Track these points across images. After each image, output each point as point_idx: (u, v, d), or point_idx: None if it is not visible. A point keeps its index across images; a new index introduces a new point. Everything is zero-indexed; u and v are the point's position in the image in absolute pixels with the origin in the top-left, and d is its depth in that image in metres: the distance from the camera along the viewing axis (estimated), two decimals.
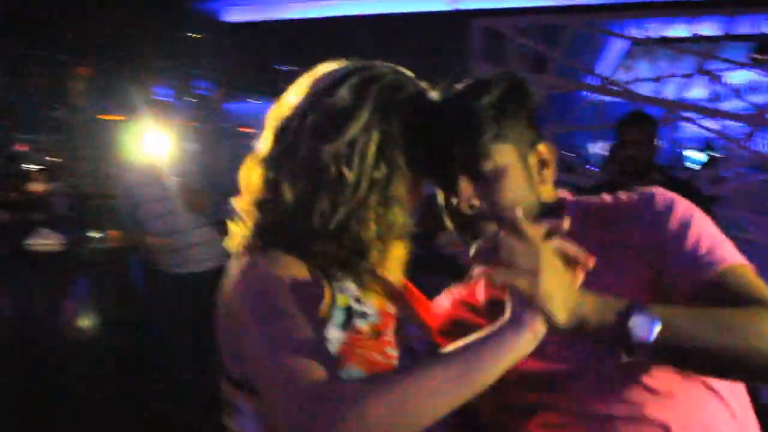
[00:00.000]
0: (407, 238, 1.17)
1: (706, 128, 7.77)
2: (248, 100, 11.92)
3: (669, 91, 7.45)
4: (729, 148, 6.91)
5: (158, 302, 3.90)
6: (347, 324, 1.06)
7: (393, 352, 1.08)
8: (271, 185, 1.11)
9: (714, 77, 7.17)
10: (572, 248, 0.95)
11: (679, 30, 7.17)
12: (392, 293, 1.17)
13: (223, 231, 1.18)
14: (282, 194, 1.09)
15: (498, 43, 6.16)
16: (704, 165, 9.64)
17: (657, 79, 7.22)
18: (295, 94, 1.15)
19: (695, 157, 9.42)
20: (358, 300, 1.09)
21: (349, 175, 1.07)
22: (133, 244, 3.97)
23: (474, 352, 0.92)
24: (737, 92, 7.40)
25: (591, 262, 0.96)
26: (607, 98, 7.42)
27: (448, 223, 1.19)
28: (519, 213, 0.94)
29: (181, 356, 3.64)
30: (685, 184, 3.53)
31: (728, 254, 1.07)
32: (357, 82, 1.10)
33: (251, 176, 1.15)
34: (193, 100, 11.53)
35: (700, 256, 1.06)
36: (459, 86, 1.16)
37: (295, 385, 0.92)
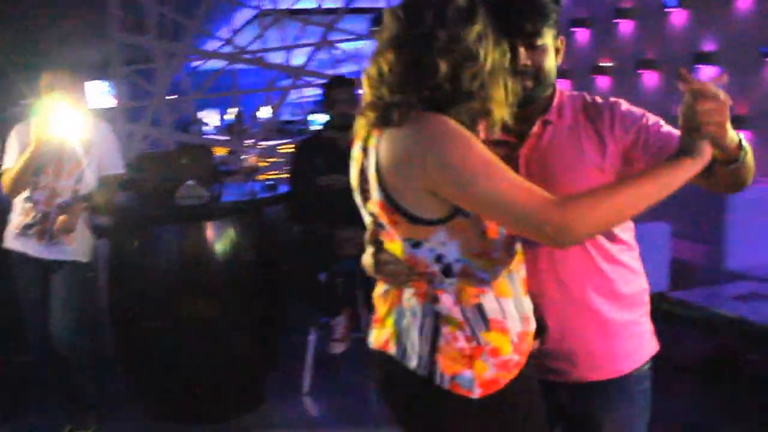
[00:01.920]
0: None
1: None
2: None
3: (297, 59, 8.06)
4: None
5: None
6: None
7: None
8: (412, 63, 1.40)
9: (334, 47, 7.91)
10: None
11: (306, 2, 7.72)
12: None
13: None
14: (430, 68, 1.38)
15: (137, 11, 6.16)
16: (324, 125, 10.57)
17: (287, 48, 7.77)
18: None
19: (318, 119, 10.34)
20: None
21: (482, 52, 1.40)
22: None
23: (671, 174, 1.37)
24: (356, 60, 8.28)
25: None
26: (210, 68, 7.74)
27: None
28: (713, 85, 1.34)
29: None
30: None
31: None
32: None
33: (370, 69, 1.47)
34: None
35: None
36: None
37: (537, 198, 1.31)
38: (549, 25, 1.58)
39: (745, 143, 1.46)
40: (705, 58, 5.39)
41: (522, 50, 1.56)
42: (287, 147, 8.02)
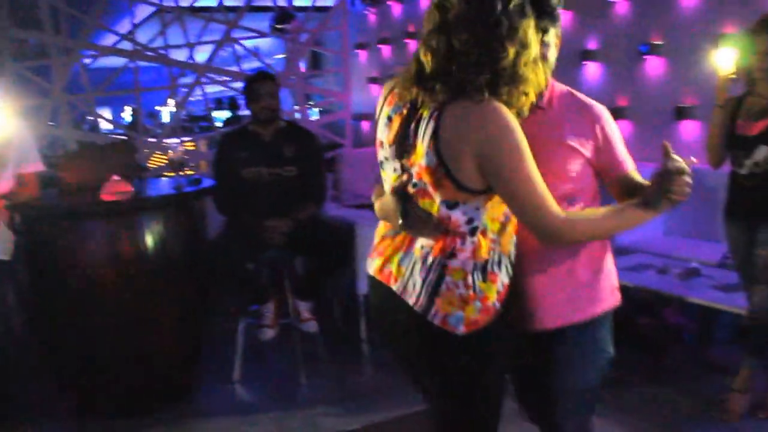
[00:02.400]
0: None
1: (234, 89, 8.63)
2: None
3: (200, 56, 8.06)
4: None
5: None
6: None
7: None
8: (484, 45, 1.59)
9: (237, 43, 7.96)
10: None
11: (207, 0, 7.72)
12: None
13: None
14: (500, 51, 1.59)
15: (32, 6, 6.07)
16: (227, 121, 10.60)
17: (190, 46, 7.75)
18: None
19: (219, 116, 10.40)
20: None
21: (532, 42, 1.63)
22: None
23: (638, 218, 1.75)
24: (257, 56, 8.36)
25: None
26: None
27: None
28: (689, 166, 1.71)
29: None
30: (306, 131, 4.39)
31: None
32: None
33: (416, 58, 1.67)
34: None
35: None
36: None
37: (547, 206, 1.65)
38: (555, 24, 1.83)
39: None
40: (589, 56, 5.87)
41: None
42: (190, 144, 8.05)
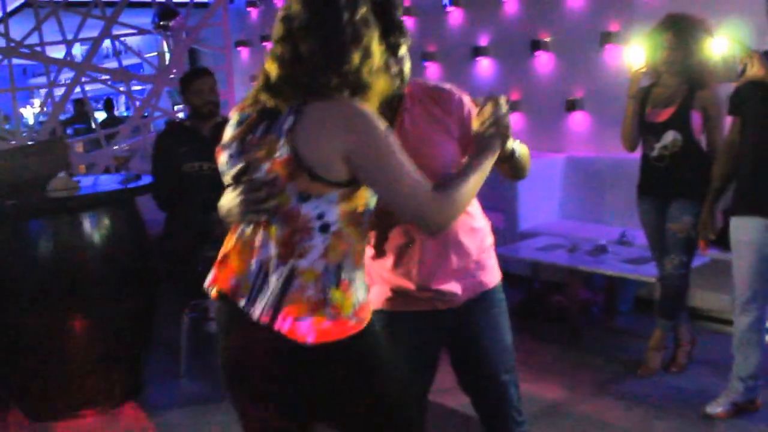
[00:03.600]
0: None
1: (117, 89, 8.38)
2: None
3: (78, 53, 7.79)
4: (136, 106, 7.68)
5: None
6: None
7: None
8: (326, 50, 1.64)
9: (117, 39, 7.74)
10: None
11: None
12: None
13: None
14: (344, 56, 1.64)
15: None
16: (103, 123, 10.21)
17: (68, 42, 7.46)
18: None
19: (99, 117, 9.96)
20: None
21: (376, 51, 1.69)
22: None
23: (482, 166, 1.83)
24: (139, 54, 8.18)
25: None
26: None
27: None
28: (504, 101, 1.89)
29: None
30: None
31: None
32: None
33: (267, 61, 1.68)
34: None
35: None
36: None
37: (421, 192, 1.67)
38: (406, 38, 1.94)
39: (517, 148, 2.01)
40: (481, 52, 6.24)
41: (391, 59, 1.85)
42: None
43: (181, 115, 7.79)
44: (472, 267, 2.11)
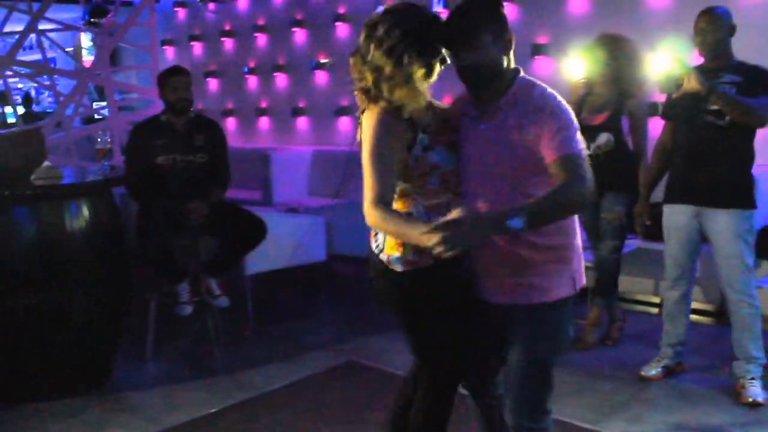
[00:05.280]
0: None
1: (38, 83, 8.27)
2: None
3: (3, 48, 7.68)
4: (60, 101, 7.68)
5: None
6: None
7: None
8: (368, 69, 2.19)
9: (43, 35, 7.69)
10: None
11: None
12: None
13: None
14: (379, 72, 2.16)
15: None
16: (23, 117, 9.92)
17: None
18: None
19: (8, 111, 9.69)
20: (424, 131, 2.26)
21: (381, 63, 2.16)
22: None
23: (406, 235, 2.10)
24: (63, 49, 8.13)
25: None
26: None
27: None
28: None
29: None
30: (213, 121, 4.76)
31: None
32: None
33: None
34: None
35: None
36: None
37: (368, 195, 2.13)
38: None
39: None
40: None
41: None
42: None
43: (106, 112, 7.82)
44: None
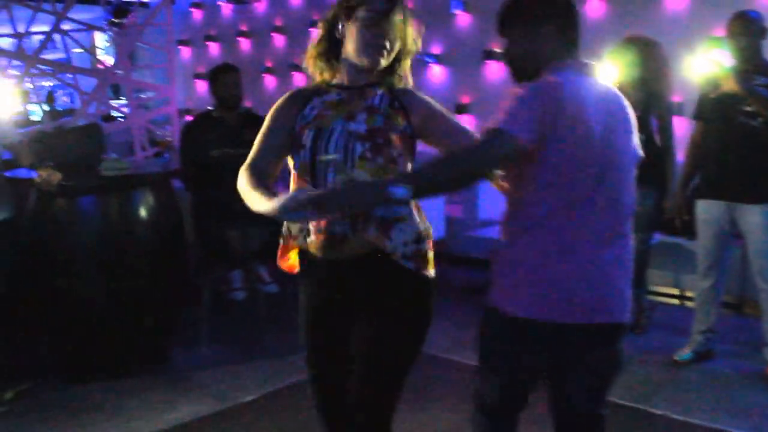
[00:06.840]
0: None
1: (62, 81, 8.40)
2: None
3: (29, 47, 7.78)
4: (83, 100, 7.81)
5: None
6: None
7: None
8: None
9: (68, 35, 7.83)
10: None
11: None
12: None
13: None
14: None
15: None
16: (49, 114, 10.00)
17: (18, 36, 7.48)
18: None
19: (35, 111, 9.81)
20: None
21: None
22: None
23: (255, 197, 2.06)
24: (86, 49, 8.28)
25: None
26: None
27: None
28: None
29: None
30: (262, 117, 4.85)
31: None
32: None
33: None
34: None
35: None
36: None
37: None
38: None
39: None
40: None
41: None
42: None
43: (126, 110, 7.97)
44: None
